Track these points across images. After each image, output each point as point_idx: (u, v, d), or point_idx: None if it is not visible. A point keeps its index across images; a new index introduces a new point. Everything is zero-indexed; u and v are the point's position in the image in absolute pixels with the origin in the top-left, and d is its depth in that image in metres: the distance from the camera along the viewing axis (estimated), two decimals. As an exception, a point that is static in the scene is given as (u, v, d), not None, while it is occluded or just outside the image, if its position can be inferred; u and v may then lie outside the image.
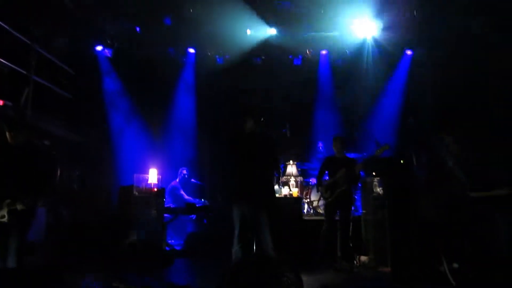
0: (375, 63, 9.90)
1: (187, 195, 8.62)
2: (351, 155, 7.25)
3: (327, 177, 6.54)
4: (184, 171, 8.84)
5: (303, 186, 8.40)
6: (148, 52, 9.83)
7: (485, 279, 4.86)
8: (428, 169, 5.28)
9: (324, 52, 10.25)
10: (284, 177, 8.28)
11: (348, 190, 6.22)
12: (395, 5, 8.58)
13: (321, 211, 7.69)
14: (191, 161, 9.67)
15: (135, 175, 7.02)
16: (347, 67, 10.20)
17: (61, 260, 5.67)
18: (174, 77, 10.50)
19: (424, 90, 9.60)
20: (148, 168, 7.37)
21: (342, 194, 6.16)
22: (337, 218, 6.32)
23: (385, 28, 9.16)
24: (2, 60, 6.72)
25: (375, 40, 9.53)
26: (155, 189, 6.95)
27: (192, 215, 8.41)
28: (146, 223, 6.57)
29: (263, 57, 10.15)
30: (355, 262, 6.27)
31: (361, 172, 6.69)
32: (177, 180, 8.75)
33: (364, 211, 6.81)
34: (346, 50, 10.01)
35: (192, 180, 8.98)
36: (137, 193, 6.68)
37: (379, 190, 6.56)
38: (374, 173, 6.77)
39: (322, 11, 8.87)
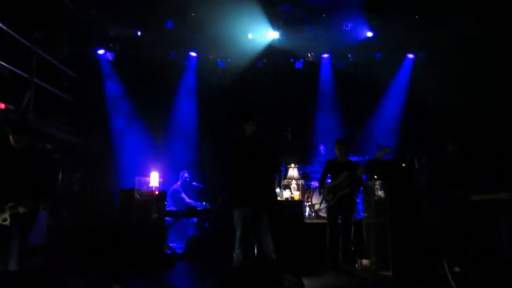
0: (377, 66, 9.94)
1: (189, 198, 8.61)
2: (353, 158, 7.25)
3: (330, 180, 6.53)
4: (186, 174, 8.85)
5: (305, 189, 8.38)
6: (150, 55, 9.87)
7: (487, 282, 4.85)
8: (429, 172, 5.27)
9: (325, 55, 10.29)
10: (286, 180, 8.28)
11: (350, 193, 6.21)
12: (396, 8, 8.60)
13: (322, 214, 7.68)
14: (192, 164, 9.67)
15: (136, 178, 7.03)
16: (348, 70, 10.22)
17: (62, 263, 5.66)
18: (175, 80, 10.53)
19: (426, 93, 9.60)
20: (150, 171, 7.39)
21: (344, 197, 6.15)
22: (339, 221, 6.30)
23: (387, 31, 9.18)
24: (3, 63, 6.74)
25: (376, 43, 9.54)
26: (157, 192, 6.95)
27: (194, 218, 8.41)
28: (147, 226, 6.56)
29: (264, 61, 10.18)
30: (356, 265, 6.25)
31: (363, 176, 6.68)
32: (179, 183, 8.75)
33: (365, 214, 6.78)
34: (348, 54, 10.04)
35: (194, 183, 8.99)
36: (138, 196, 6.68)
37: (380, 193, 6.54)
38: (375, 176, 6.76)
39: (323, 15, 8.92)
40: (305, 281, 3.52)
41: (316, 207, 7.82)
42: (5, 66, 6.81)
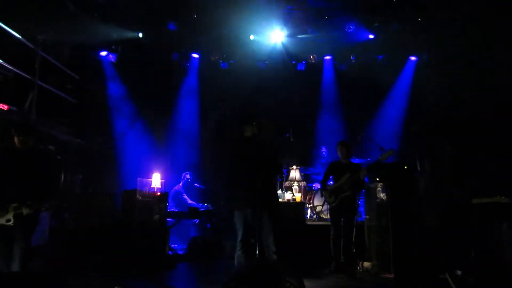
0: (379, 68, 9.94)
1: (190, 199, 8.63)
2: (355, 161, 7.25)
3: (332, 182, 6.53)
4: (188, 176, 8.86)
5: (306, 191, 8.39)
6: (152, 57, 9.90)
7: (488, 286, 4.84)
8: (430, 174, 5.26)
9: (327, 57, 10.30)
10: (287, 182, 8.28)
11: (352, 196, 6.20)
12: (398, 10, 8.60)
13: (324, 216, 7.68)
14: (194, 166, 9.69)
15: (138, 179, 7.04)
16: (351, 72, 10.23)
17: (64, 264, 5.67)
18: (178, 82, 10.55)
19: (428, 95, 9.60)
20: (152, 173, 7.40)
21: (346, 199, 6.14)
22: (341, 223, 6.29)
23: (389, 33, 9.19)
24: (6, 65, 6.78)
25: (379, 45, 9.55)
26: (158, 193, 6.96)
27: (195, 220, 8.42)
28: (149, 227, 6.57)
29: (266, 62, 10.19)
30: (358, 267, 6.25)
31: (365, 178, 6.67)
32: (181, 184, 8.77)
33: (367, 217, 6.79)
34: (350, 56, 10.05)
35: (196, 184, 9.00)
36: (140, 197, 6.69)
37: (382, 195, 6.54)
38: (377, 179, 6.75)
39: (326, 17, 8.94)
40: (306, 283, 3.52)
41: (318, 209, 7.82)
42: (9, 68, 6.85)
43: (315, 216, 7.96)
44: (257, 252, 4.24)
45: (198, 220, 8.50)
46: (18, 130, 4.28)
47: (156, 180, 7.24)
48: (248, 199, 4.36)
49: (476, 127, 7.64)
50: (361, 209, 7.42)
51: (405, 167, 6.23)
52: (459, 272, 4.89)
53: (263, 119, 4.71)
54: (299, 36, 9.44)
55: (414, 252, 5.51)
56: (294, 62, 10.22)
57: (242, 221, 4.39)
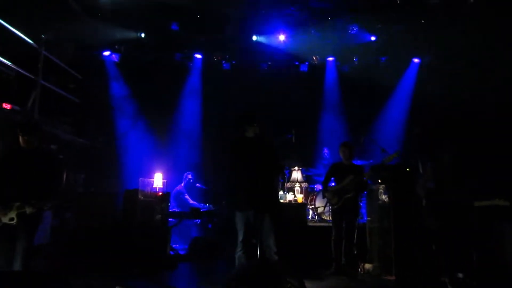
0: (382, 70, 9.93)
1: (192, 199, 8.63)
2: (357, 162, 7.23)
3: (333, 184, 6.51)
4: (189, 176, 8.86)
5: (308, 192, 8.38)
6: (155, 57, 9.91)
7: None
8: (432, 177, 5.24)
9: (330, 59, 10.29)
10: (289, 182, 8.27)
11: (355, 197, 6.18)
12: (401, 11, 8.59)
13: (325, 218, 7.67)
14: (196, 166, 9.69)
15: (140, 179, 7.04)
16: (353, 73, 10.22)
17: (65, 263, 5.68)
18: (180, 82, 10.56)
19: (430, 98, 9.57)
20: (154, 172, 7.41)
21: (348, 200, 6.12)
22: (343, 225, 6.28)
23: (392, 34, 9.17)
24: (9, 64, 6.79)
25: (382, 46, 9.54)
26: (160, 193, 6.97)
27: (197, 220, 8.42)
28: (150, 227, 6.57)
29: (269, 63, 10.19)
30: (359, 269, 6.23)
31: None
32: (182, 184, 8.77)
33: (369, 219, 6.77)
34: (353, 57, 10.04)
35: (197, 184, 9.00)
36: (142, 197, 6.70)
37: (384, 197, 6.51)
38: (380, 181, 6.74)
39: (329, 18, 8.93)
40: (307, 284, 3.52)
41: (319, 210, 7.80)
42: (12, 67, 6.87)
43: (316, 217, 7.95)
44: (258, 252, 4.24)
45: (199, 221, 8.50)
46: (23, 130, 4.29)
47: (158, 180, 7.24)
48: (249, 200, 4.35)
49: (476, 127, 7.63)
50: (363, 210, 7.40)
51: (408, 169, 6.21)
52: (460, 275, 4.86)
53: (264, 119, 4.71)
54: (302, 37, 9.44)
55: (416, 254, 5.49)
56: (296, 63, 10.22)
57: (243, 221, 4.38)
